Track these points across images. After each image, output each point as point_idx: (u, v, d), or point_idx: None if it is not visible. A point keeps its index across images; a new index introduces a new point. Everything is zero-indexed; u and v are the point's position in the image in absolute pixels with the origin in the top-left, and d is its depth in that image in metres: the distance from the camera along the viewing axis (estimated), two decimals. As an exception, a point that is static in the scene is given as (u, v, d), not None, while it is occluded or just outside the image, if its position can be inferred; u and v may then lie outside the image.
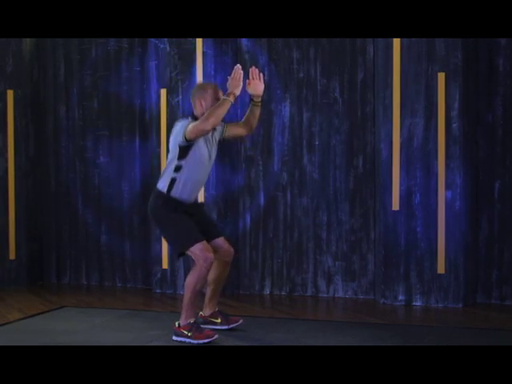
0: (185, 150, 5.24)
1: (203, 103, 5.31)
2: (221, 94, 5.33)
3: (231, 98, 5.19)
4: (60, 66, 7.69)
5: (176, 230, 5.30)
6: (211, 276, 5.42)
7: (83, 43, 7.58)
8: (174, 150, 5.28)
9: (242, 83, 5.24)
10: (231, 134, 5.59)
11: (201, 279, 5.20)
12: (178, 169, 5.26)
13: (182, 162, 5.25)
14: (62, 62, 7.67)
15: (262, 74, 5.47)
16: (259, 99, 5.51)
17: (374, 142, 6.78)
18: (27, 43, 7.49)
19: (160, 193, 5.33)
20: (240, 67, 5.26)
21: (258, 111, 5.54)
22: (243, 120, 5.63)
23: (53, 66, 7.70)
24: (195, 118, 5.29)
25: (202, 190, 6.55)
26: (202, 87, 5.45)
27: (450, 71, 6.34)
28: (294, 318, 6.08)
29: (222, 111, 5.17)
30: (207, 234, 5.36)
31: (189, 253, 5.24)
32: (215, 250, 5.36)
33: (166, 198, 5.28)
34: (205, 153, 5.30)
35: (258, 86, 5.46)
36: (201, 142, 5.26)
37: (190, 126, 5.21)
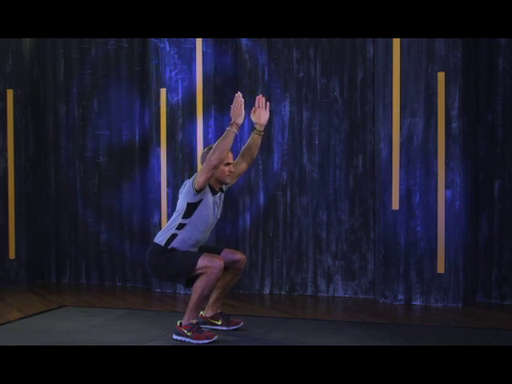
0: (192, 209, 5.15)
1: None
2: (230, 154, 5.20)
3: (234, 129, 5.07)
4: (60, 65, 7.68)
5: (175, 261, 5.18)
6: (222, 281, 5.36)
7: (83, 43, 7.57)
8: (181, 208, 5.20)
9: (243, 111, 5.11)
10: (235, 178, 5.45)
11: (210, 285, 5.13)
12: (181, 226, 5.20)
13: (187, 221, 5.18)
14: (62, 62, 7.67)
15: (268, 103, 5.38)
16: (262, 128, 5.41)
17: (374, 141, 6.78)
18: (27, 43, 7.49)
19: (157, 246, 5.25)
20: (241, 95, 5.13)
21: (259, 140, 5.43)
22: (242, 151, 5.48)
23: (53, 65, 7.70)
24: None
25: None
26: (211, 148, 5.21)
27: (450, 71, 6.34)
28: (293, 318, 6.08)
29: (227, 143, 5.05)
30: (209, 251, 5.29)
31: (197, 271, 5.12)
32: (231, 262, 5.32)
33: (163, 249, 5.22)
34: (210, 213, 5.22)
35: (263, 115, 5.35)
36: (209, 201, 5.18)
37: (198, 171, 5.13)
